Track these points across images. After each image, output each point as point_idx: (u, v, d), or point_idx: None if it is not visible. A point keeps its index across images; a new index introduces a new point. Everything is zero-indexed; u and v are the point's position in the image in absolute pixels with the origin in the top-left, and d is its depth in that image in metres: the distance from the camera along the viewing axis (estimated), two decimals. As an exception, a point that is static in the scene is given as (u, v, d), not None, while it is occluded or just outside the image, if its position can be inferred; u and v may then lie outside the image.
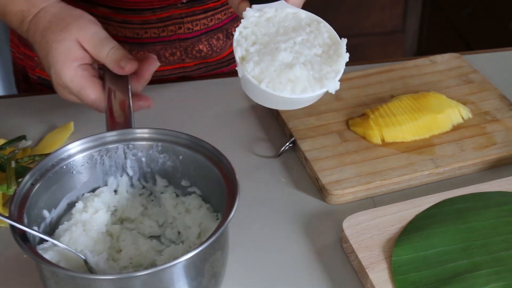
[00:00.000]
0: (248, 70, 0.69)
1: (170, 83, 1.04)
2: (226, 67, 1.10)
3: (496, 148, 0.88)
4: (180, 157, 0.76)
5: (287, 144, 0.90)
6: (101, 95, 0.79)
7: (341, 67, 0.70)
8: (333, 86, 0.69)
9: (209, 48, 1.06)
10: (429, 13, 2.44)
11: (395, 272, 0.71)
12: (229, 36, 1.07)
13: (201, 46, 1.05)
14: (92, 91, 0.79)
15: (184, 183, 0.78)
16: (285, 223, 0.81)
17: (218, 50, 1.07)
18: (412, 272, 0.71)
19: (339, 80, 0.70)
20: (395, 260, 0.73)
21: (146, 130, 0.75)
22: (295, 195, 0.85)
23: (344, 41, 0.71)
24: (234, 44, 0.70)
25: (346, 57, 0.70)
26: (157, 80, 1.01)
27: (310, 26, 0.74)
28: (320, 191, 0.84)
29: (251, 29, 0.72)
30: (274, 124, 0.96)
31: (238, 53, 0.70)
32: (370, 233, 0.76)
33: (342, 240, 0.77)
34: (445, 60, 1.05)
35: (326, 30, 0.73)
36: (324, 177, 0.84)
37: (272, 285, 0.74)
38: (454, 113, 0.92)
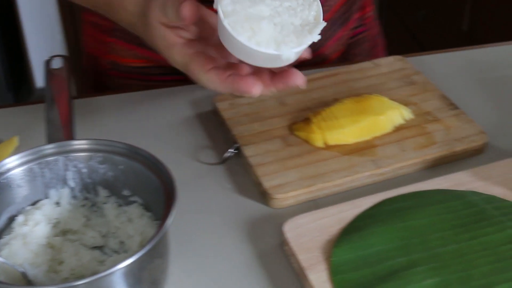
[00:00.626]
0: (222, 3, 0.68)
1: (112, 95, 1.04)
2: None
3: (435, 147, 0.90)
4: (121, 167, 0.76)
5: (230, 150, 0.90)
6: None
7: (306, 43, 0.69)
8: (288, 54, 0.68)
9: None
10: (385, 17, 2.47)
11: (334, 272, 0.73)
12: None
13: None
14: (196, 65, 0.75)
15: (125, 192, 0.78)
16: (228, 229, 0.82)
17: None
18: (351, 272, 0.72)
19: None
20: (334, 261, 0.74)
21: (84, 141, 0.76)
22: (239, 201, 0.86)
23: (323, 24, 0.70)
24: None
25: (315, 37, 0.69)
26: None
27: None
28: (263, 196, 0.85)
29: None
30: (220, 132, 0.97)
31: None
32: (310, 235, 0.77)
33: (283, 243, 0.78)
34: (388, 63, 1.07)
35: (315, 10, 0.72)
36: (267, 181, 0.85)
37: (215, 291, 0.75)
38: (396, 115, 0.93)
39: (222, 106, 0.97)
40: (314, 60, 1.09)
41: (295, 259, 0.75)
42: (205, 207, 0.85)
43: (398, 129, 0.93)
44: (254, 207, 0.85)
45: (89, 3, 0.89)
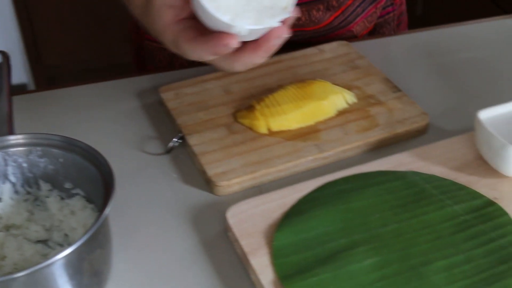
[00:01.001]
0: None
1: (58, 89, 1.04)
2: (322, 36, 1.13)
3: (378, 130, 0.91)
4: (60, 159, 0.76)
5: (175, 140, 0.91)
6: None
7: (263, 24, 0.68)
8: (240, 28, 0.67)
9: (307, 18, 1.09)
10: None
11: (275, 256, 0.73)
12: (329, 8, 1.09)
13: (300, 15, 1.08)
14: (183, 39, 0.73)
15: (67, 185, 0.78)
16: (173, 218, 0.82)
17: (316, 21, 1.10)
18: (292, 255, 0.73)
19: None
20: (276, 245, 0.74)
21: (20, 136, 0.76)
22: (185, 190, 0.86)
23: (287, 15, 0.69)
24: None
25: (274, 23, 0.68)
26: None
27: None
28: (208, 184, 0.85)
29: None
30: (165, 122, 0.97)
31: None
32: (253, 221, 0.78)
33: (227, 230, 0.79)
34: (333, 48, 1.08)
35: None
36: (211, 169, 0.85)
37: (160, 281, 0.75)
38: (338, 99, 0.94)
39: (167, 96, 0.98)
40: (343, 36, 1.14)
41: (238, 244, 0.76)
42: (150, 197, 0.85)
43: (342, 113, 0.94)
44: (199, 195, 0.85)
45: None
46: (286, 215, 0.78)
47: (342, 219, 0.77)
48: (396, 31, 1.25)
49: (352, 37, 1.17)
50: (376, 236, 0.75)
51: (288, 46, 0.97)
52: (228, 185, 0.84)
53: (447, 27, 1.18)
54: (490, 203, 0.78)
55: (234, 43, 0.68)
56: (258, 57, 0.72)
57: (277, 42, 0.71)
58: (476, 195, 0.79)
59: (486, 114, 0.83)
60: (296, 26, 1.10)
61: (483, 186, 0.81)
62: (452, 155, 0.86)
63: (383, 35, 1.21)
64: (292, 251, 0.74)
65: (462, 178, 0.82)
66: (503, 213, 0.77)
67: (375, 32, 1.22)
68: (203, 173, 0.86)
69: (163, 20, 0.73)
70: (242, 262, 0.76)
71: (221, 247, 0.78)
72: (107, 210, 0.67)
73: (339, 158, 0.89)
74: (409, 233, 0.75)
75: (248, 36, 0.69)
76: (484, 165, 0.84)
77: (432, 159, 0.85)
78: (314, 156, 0.87)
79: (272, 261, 0.73)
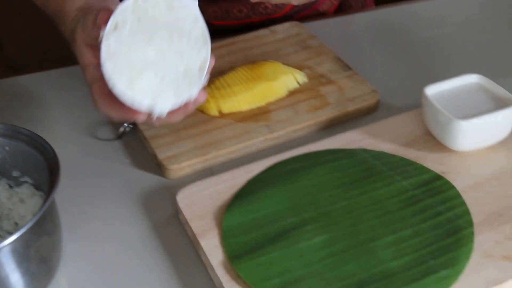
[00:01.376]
0: (108, 39, 0.64)
1: (10, 78, 1.03)
2: (291, 18, 1.14)
3: (328, 108, 0.91)
4: (6, 148, 0.76)
5: (126, 125, 0.90)
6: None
7: (181, 98, 0.66)
8: (161, 109, 0.66)
9: (273, 6, 1.10)
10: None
11: (224, 236, 0.73)
12: None
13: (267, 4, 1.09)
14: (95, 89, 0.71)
15: (15, 173, 0.77)
16: (125, 203, 0.82)
17: (282, 6, 1.11)
18: (241, 235, 0.74)
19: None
20: (226, 226, 0.75)
21: (-35, 125, 0.75)
22: (136, 175, 0.86)
23: (203, 81, 0.67)
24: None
25: (192, 95, 0.67)
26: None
27: (196, 41, 0.67)
28: (160, 167, 0.85)
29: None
30: (117, 107, 0.96)
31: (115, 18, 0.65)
32: (203, 203, 0.78)
33: (178, 213, 0.79)
34: (285, 29, 1.08)
35: (204, 56, 0.67)
36: (162, 153, 0.85)
37: (112, 266, 0.75)
38: (289, 79, 0.94)
39: (117, 81, 0.97)
40: (311, 15, 1.15)
41: (188, 226, 0.76)
42: (102, 183, 0.85)
43: (292, 93, 0.94)
44: (151, 179, 0.85)
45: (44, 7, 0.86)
46: (236, 196, 0.78)
47: (292, 198, 0.78)
48: (364, 6, 1.25)
49: (320, 15, 1.18)
50: (325, 214, 0.75)
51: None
52: (179, 168, 0.84)
53: (408, 4, 1.18)
54: (438, 177, 0.79)
55: (147, 118, 0.67)
56: (175, 119, 0.71)
57: (195, 107, 0.70)
58: (424, 170, 0.80)
59: (432, 90, 0.84)
60: (264, 14, 1.11)
61: (431, 161, 0.82)
62: (401, 131, 0.86)
63: (348, 12, 1.21)
64: (241, 232, 0.74)
65: (410, 154, 0.83)
66: (451, 186, 0.78)
67: (343, 6, 1.23)
68: (154, 157, 0.86)
69: (83, 59, 0.71)
70: (193, 244, 0.76)
71: (172, 230, 0.78)
72: (52, 196, 0.67)
73: (290, 138, 0.89)
74: (358, 210, 0.76)
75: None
76: (432, 140, 0.84)
77: (381, 136, 0.86)
78: (265, 136, 0.87)
79: (222, 242, 0.73)
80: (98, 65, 0.67)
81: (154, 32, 0.66)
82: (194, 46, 0.67)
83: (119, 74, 0.65)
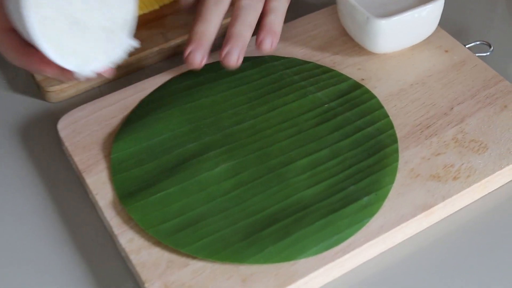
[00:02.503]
0: None
1: None
2: None
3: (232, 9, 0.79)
4: None
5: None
6: None
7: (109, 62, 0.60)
8: (88, 72, 0.59)
9: None
10: None
11: (114, 170, 0.63)
12: None
13: None
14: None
15: None
16: (1, 134, 0.70)
17: None
18: (134, 168, 0.63)
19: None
20: (115, 157, 0.64)
21: None
22: (13, 98, 0.74)
23: (131, 42, 0.61)
24: None
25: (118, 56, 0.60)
26: None
27: None
28: (39, 89, 0.73)
29: None
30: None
31: None
32: (88, 131, 0.67)
33: (61, 144, 0.68)
34: None
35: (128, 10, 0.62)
36: (39, 73, 0.73)
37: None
38: (186, -23, 0.82)
39: None
40: None
41: (72, 160, 0.65)
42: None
43: (191, -7, 0.82)
44: (30, 104, 0.73)
45: None
46: (127, 121, 0.67)
47: (191, 119, 0.67)
48: None
49: None
50: (229, 136, 0.66)
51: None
52: (61, 90, 0.72)
53: None
54: (357, 86, 0.70)
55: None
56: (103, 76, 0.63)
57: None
58: (341, 78, 0.71)
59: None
60: None
61: (348, 66, 0.72)
62: (315, 32, 0.76)
63: None
64: (133, 164, 0.64)
65: (326, 59, 0.73)
66: (371, 96, 0.69)
67: None
68: (32, 77, 0.74)
69: None
70: (79, 181, 0.65)
71: (56, 163, 0.67)
72: None
73: (189, 46, 0.78)
74: (267, 129, 0.66)
75: None
76: (349, 42, 0.74)
77: (292, 38, 0.75)
78: (159, 46, 0.76)
79: (111, 178, 0.63)
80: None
81: None
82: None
83: (43, 27, 0.56)
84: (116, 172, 0.63)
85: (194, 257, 0.57)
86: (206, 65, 0.71)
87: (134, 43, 0.61)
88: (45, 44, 0.57)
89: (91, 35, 0.60)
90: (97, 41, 0.60)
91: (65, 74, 0.61)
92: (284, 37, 0.75)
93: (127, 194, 0.61)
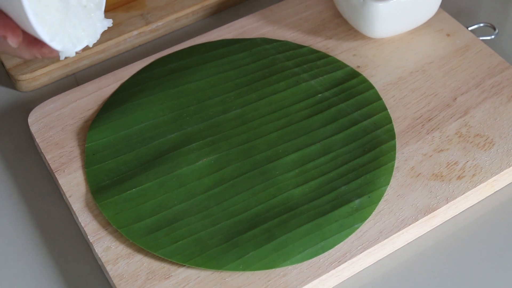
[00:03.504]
0: None
1: None
2: None
3: (219, -11, 0.74)
4: None
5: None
6: None
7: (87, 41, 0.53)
8: (68, 52, 0.53)
9: None
10: None
11: (88, 162, 0.58)
12: None
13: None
14: None
15: None
16: (-33, 125, 0.65)
17: None
18: (109, 159, 0.58)
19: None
20: (90, 147, 0.59)
21: None
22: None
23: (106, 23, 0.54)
24: None
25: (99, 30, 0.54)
26: None
27: None
28: (10, 78, 0.68)
29: None
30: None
31: None
32: (61, 125, 0.62)
33: (33, 138, 0.63)
34: None
35: None
36: (9, 59, 0.67)
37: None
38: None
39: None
40: None
41: (44, 158, 0.60)
42: None
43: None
44: (0, 94, 0.68)
45: None
46: (103, 108, 0.62)
47: (173, 106, 0.62)
48: None
49: None
50: (214, 127, 0.60)
51: None
52: (33, 78, 0.67)
53: None
54: (353, 74, 0.64)
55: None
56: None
57: None
58: (338, 64, 0.65)
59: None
60: None
61: (343, 52, 0.67)
62: (307, 14, 0.71)
63: None
64: (108, 155, 0.58)
65: (319, 44, 0.68)
66: (369, 86, 0.63)
67: None
68: (2, 64, 0.69)
69: None
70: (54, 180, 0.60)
71: (28, 159, 0.62)
72: None
73: (172, 29, 0.73)
74: (255, 120, 0.61)
75: None
76: (344, 25, 0.69)
77: (283, 20, 0.70)
78: (139, 29, 0.70)
79: (84, 170, 0.57)
80: None
81: None
82: None
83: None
84: (89, 164, 0.58)
85: (176, 268, 0.52)
86: (192, 46, 0.65)
87: (108, 23, 0.55)
88: (36, 21, 0.51)
89: (73, 13, 0.55)
90: (79, 19, 0.55)
91: (47, 52, 0.54)
92: (274, 19, 0.70)
93: (99, 189, 0.56)
